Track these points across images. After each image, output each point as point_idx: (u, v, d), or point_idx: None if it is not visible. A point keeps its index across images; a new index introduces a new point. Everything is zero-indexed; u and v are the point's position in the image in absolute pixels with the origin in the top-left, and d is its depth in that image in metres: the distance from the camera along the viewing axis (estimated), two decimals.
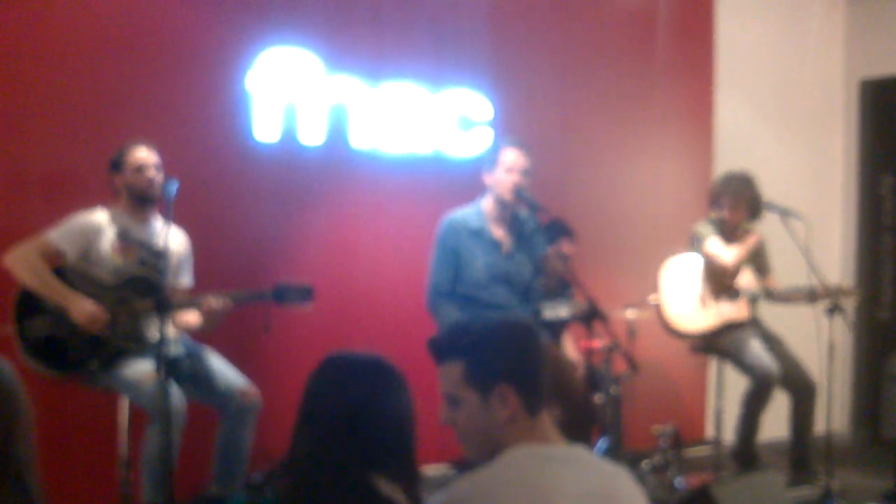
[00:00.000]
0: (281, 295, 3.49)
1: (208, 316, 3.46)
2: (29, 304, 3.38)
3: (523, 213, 3.91)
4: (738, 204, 4.49)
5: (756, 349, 4.40)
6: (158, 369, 3.30)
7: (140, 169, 3.53)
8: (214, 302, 3.43)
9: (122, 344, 3.42)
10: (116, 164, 3.57)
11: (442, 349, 1.82)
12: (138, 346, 3.45)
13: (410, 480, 1.72)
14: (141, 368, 3.38)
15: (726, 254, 4.46)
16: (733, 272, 4.47)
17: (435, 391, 4.71)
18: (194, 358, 3.58)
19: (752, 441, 4.49)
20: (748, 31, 5.98)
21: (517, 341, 1.80)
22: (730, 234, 4.58)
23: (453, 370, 1.77)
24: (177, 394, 3.32)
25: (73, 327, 3.34)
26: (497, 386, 1.73)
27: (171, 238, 3.63)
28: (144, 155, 3.54)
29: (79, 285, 3.39)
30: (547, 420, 1.78)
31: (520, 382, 1.74)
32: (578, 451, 1.77)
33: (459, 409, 1.77)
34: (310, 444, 1.71)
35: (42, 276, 3.34)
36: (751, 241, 4.46)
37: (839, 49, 6.40)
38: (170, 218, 3.37)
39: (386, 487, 1.65)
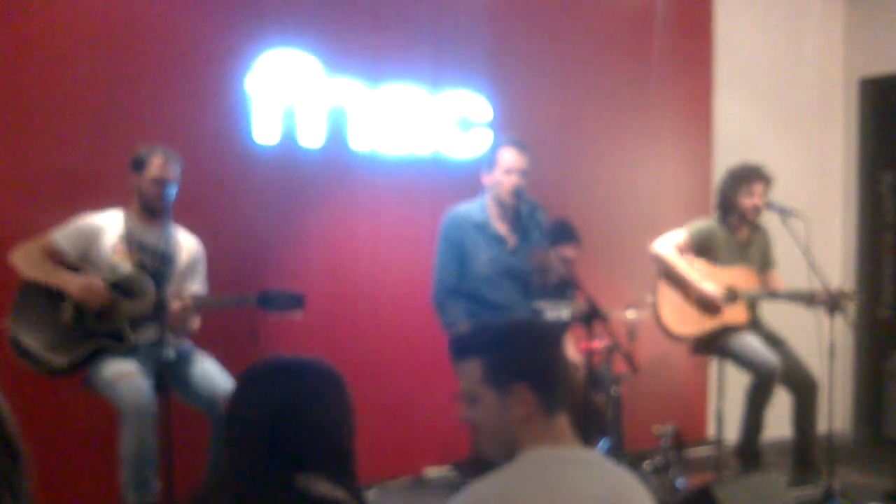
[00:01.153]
0: (266, 302, 3.46)
1: (173, 320, 3.42)
2: (25, 299, 3.42)
3: (523, 209, 3.89)
4: (767, 188, 4.49)
5: (755, 344, 4.40)
6: (158, 371, 3.32)
7: (156, 181, 3.53)
8: (174, 305, 3.41)
9: (104, 343, 3.43)
10: (138, 166, 3.56)
11: (462, 347, 1.83)
12: (120, 345, 3.45)
13: (349, 479, 1.68)
14: (118, 367, 3.39)
15: (662, 243, 4.50)
16: (655, 256, 4.50)
17: (435, 391, 4.69)
18: (184, 361, 3.57)
19: (756, 439, 4.48)
20: (747, 30, 5.98)
21: (536, 341, 1.82)
22: (735, 230, 4.56)
23: (472, 368, 1.79)
24: (147, 392, 3.31)
25: (59, 320, 3.38)
26: (514, 384, 1.74)
27: (181, 243, 3.63)
28: (167, 170, 3.54)
29: None
30: (563, 422, 1.79)
31: (536, 382, 1.75)
32: (593, 455, 1.80)
33: (477, 407, 1.78)
34: (234, 454, 1.68)
35: (42, 266, 3.41)
36: (702, 281, 4.43)
37: (838, 47, 6.40)
38: (170, 220, 3.37)
39: (322, 487, 1.63)
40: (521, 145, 3.84)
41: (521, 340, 1.80)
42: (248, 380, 1.75)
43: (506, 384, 1.75)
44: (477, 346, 1.80)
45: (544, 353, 1.80)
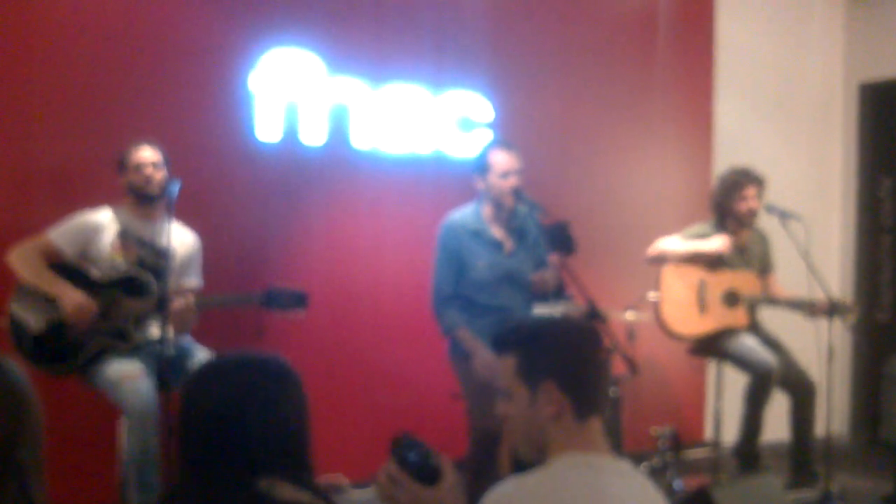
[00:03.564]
0: (270, 300, 3.45)
1: (175, 317, 3.41)
2: (23, 299, 3.41)
3: (522, 209, 3.90)
4: (761, 190, 4.50)
5: (752, 345, 4.41)
6: (159, 369, 3.32)
7: (138, 167, 3.56)
8: (176, 303, 3.41)
9: (108, 342, 3.42)
10: (121, 165, 3.60)
11: (501, 342, 1.86)
12: (124, 344, 3.44)
13: (308, 479, 1.64)
14: (122, 367, 3.38)
15: (667, 241, 4.53)
16: (652, 255, 4.53)
17: (435, 390, 4.69)
18: (183, 357, 3.56)
19: (755, 440, 4.48)
20: (748, 34, 5.99)
21: (571, 342, 1.82)
22: (733, 234, 4.57)
23: (509, 363, 1.81)
24: (151, 393, 3.31)
25: (61, 322, 3.36)
26: (543, 381, 1.75)
27: (178, 238, 3.63)
28: (144, 154, 3.57)
29: (71, 282, 3.41)
30: (596, 428, 1.79)
31: (566, 382, 1.76)
32: (623, 464, 1.79)
33: (511, 402, 1.80)
34: (189, 459, 1.61)
35: (37, 269, 3.39)
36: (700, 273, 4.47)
37: (838, 52, 6.41)
38: (171, 217, 3.37)
39: (286, 491, 1.57)
40: (510, 146, 3.84)
41: (554, 339, 1.81)
42: (196, 380, 1.68)
43: (536, 381, 1.76)
44: (514, 342, 1.82)
45: (577, 355, 1.81)
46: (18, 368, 1.56)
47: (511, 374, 1.80)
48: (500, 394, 1.84)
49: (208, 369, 1.69)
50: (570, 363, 1.79)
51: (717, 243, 4.42)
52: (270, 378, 1.65)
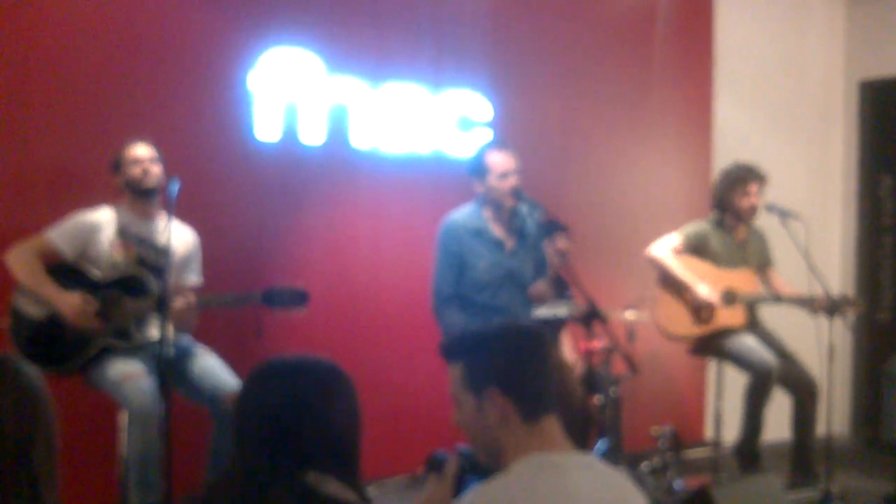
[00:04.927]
0: (271, 298, 3.45)
1: (176, 317, 3.41)
2: (24, 299, 3.40)
3: (523, 209, 3.89)
4: (762, 186, 4.49)
5: (752, 344, 4.40)
6: (159, 368, 3.31)
7: (135, 162, 3.55)
8: (177, 302, 3.40)
9: (109, 342, 3.42)
10: (116, 164, 3.60)
11: (447, 351, 1.87)
12: (125, 344, 3.44)
13: (354, 478, 1.71)
14: (124, 368, 3.37)
15: (658, 246, 4.51)
16: (652, 259, 4.51)
17: (434, 389, 4.68)
18: (183, 357, 3.56)
19: (756, 439, 4.47)
20: (748, 32, 5.98)
21: (513, 346, 1.82)
22: (732, 230, 4.57)
23: (455, 372, 1.82)
24: (153, 393, 3.30)
25: (61, 324, 3.35)
26: (487, 388, 1.76)
27: (177, 235, 3.63)
28: (140, 151, 3.56)
29: (70, 283, 3.40)
30: (552, 426, 1.79)
31: (508, 387, 1.76)
32: (589, 458, 1.79)
33: (461, 410, 1.81)
34: (242, 450, 1.70)
35: (34, 273, 3.37)
36: (697, 287, 4.43)
37: (839, 50, 6.40)
38: (172, 216, 3.37)
39: (333, 487, 1.65)
40: (506, 146, 3.84)
41: (496, 345, 1.81)
42: (256, 377, 1.77)
43: (479, 388, 1.77)
44: (458, 351, 1.83)
45: (520, 359, 1.80)
46: (35, 370, 1.57)
47: (457, 383, 1.80)
48: (453, 402, 1.84)
49: (269, 367, 1.78)
50: (513, 369, 1.78)
51: (706, 293, 4.40)
52: (327, 380, 1.77)
